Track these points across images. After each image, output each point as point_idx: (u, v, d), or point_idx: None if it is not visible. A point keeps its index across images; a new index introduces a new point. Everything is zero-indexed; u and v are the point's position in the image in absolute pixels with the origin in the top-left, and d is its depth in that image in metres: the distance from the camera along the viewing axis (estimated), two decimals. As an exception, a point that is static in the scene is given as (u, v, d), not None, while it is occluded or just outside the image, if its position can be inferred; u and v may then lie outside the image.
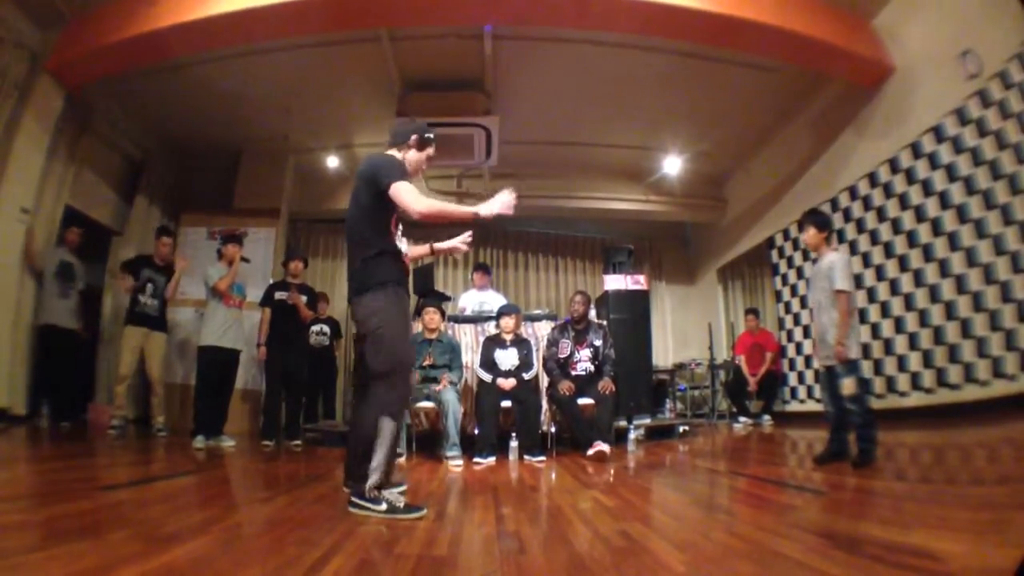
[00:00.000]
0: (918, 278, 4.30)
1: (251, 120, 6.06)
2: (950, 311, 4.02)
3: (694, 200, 7.41)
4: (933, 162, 4.18)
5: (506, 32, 4.76)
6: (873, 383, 4.54)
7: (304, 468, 3.43)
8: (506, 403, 3.91)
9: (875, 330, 4.68)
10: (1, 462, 3.11)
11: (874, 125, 4.85)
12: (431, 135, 2.20)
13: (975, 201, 3.84)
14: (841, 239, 5.03)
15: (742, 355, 6.13)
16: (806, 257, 5.81)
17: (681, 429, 5.06)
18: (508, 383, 3.91)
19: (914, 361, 4.33)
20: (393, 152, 2.16)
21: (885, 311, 4.62)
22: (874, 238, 4.78)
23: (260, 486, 2.85)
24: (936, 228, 4.15)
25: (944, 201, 4.09)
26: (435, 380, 3.93)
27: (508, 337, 4.17)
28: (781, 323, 6.33)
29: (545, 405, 4.16)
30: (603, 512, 2.01)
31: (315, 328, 5.53)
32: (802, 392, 5.95)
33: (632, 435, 4.08)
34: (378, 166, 2.03)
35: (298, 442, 4.45)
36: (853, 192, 5.04)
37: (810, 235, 3.07)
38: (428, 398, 3.88)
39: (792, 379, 6.11)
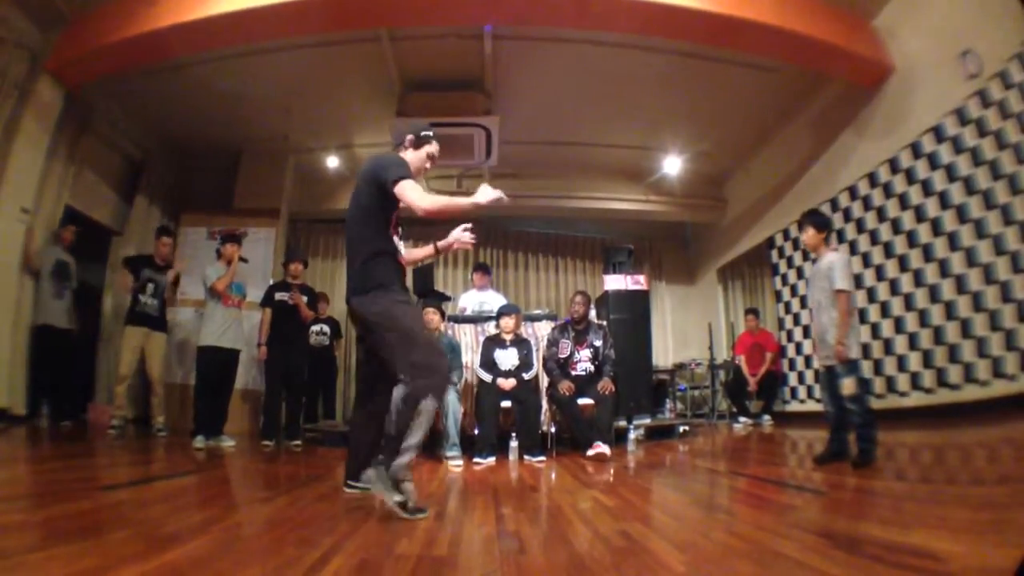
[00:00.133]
0: (918, 278, 4.30)
1: (251, 120, 6.06)
2: (950, 311, 4.02)
3: (694, 200, 7.41)
4: (933, 162, 4.18)
5: (506, 32, 4.76)
6: (873, 383, 4.54)
7: (304, 468, 3.44)
8: (506, 403, 3.91)
9: (875, 330, 4.68)
10: (1, 462, 3.11)
11: (874, 125, 4.85)
12: (428, 133, 2.20)
13: (975, 201, 3.83)
14: (841, 239, 5.03)
15: (742, 355, 6.13)
16: (806, 257, 5.81)
17: (681, 429, 5.06)
18: (508, 383, 3.91)
19: (914, 361, 4.33)
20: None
21: (885, 311, 4.62)
22: (874, 238, 4.77)
23: (260, 486, 2.85)
24: (936, 228, 4.15)
25: (944, 201, 4.09)
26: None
27: (508, 337, 4.17)
28: (781, 323, 6.33)
29: (545, 405, 4.16)
30: (603, 512, 2.01)
31: (315, 328, 5.53)
32: (802, 392, 5.95)
33: (632, 435, 4.08)
34: (382, 164, 2.03)
35: (298, 442, 4.45)
36: (853, 192, 5.04)
37: (809, 235, 3.07)
38: (428, 398, 3.87)
39: (792, 379, 6.11)
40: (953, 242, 4.01)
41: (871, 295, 4.73)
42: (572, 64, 5.18)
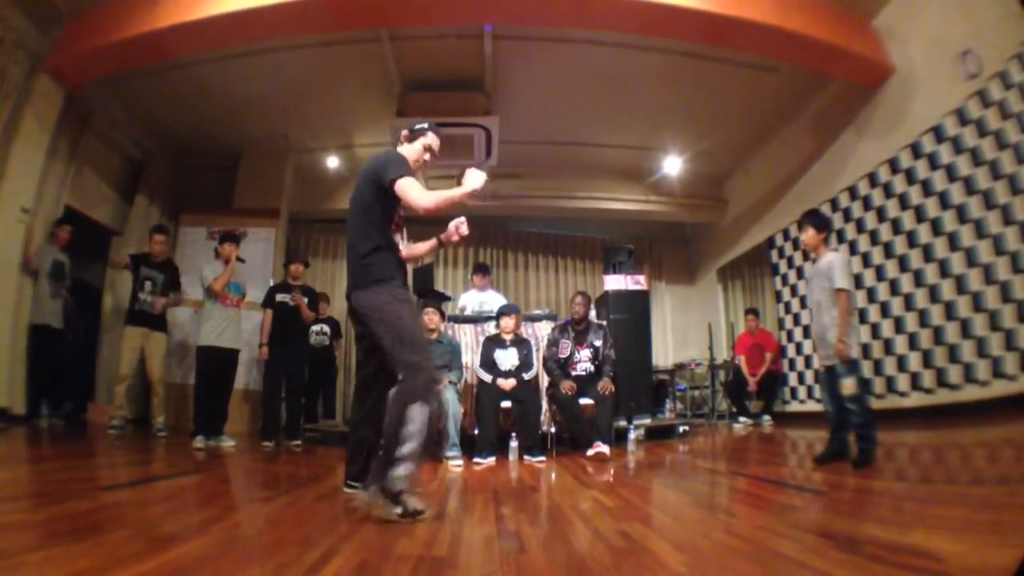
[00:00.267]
0: (918, 278, 4.30)
1: (251, 120, 6.06)
2: (950, 311, 4.02)
3: (694, 200, 7.40)
4: (933, 162, 4.18)
5: (506, 32, 4.77)
6: (873, 383, 4.54)
7: (304, 468, 3.44)
8: (506, 403, 3.91)
9: (875, 330, 4.68)
10: (1, 462, 3.11)
11: (874, 125, 4.85)
12: (422, 126, 2.21)
13: (975, 201, 3.84)
14: (841, 239, 5.03)
15: (742, 355, 6.13)
16: (806, 257, 5.81)
17: (681, 429, 5.06)
18: (508, 383, 3.91)
19: (914, 361, 4.33)
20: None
21: (885, 311, 4.62)
22: (874, 238, 4.77)
23: (260, 486, 2.85)
24: (936, 228, 4.15)
25: (944, 201, 4.09)
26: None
27: (508, 337, 4.17)
28: (781, 323, 6.33)
29: (545, 405, 4.16)
30: (603, 512, 2.01)
31: (315, 328, 5.53)
32: (802, 392, 5.95)
33: (632, 435, 4.08)
34: (382, 163, 2.03)
35: (298, 442, 4.45)
36: (853, 192, 5.04)
37: (809, 235, 3.07)
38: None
39: (792, 379, 6.11)
40: (953, 242, 4.01)
41: (871, 295, 4.73)
42: (572, 64, 5.19)
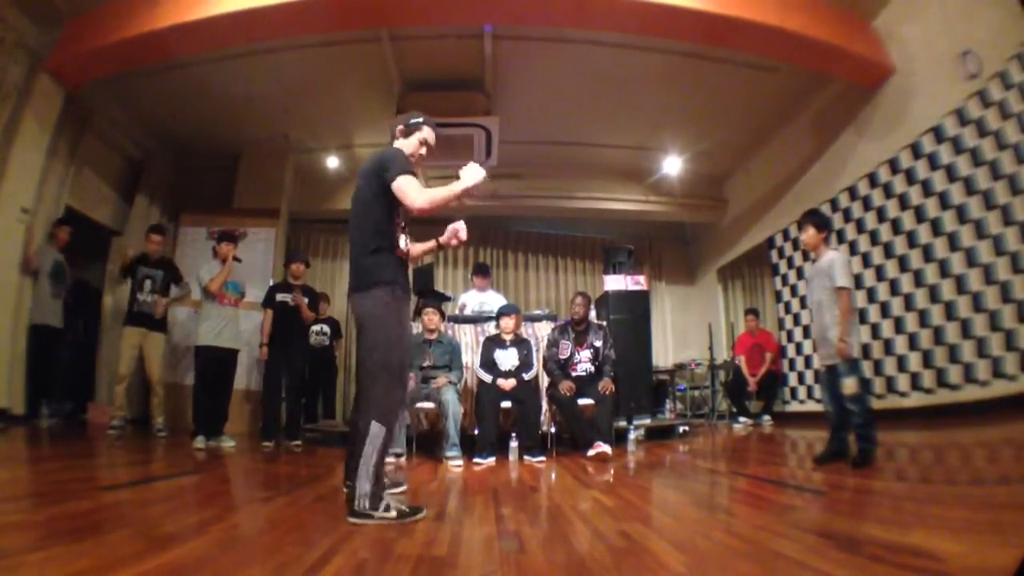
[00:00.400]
0: (918, 278, 4.30)
1: (251, 120, 6.06)
2: (950, 311, 4.02)
3: (694, 200, 7.41)
4: (933, 162, 4.18)
5: (506, 32, 4.77)
6: (873, 383, 4.54)
7: (304, 468, 3.44)
8: (506, 403, 3.91)
9: (875, 330, 4.68)
10: (1, 462, 3.11)
11: (874, 125, 4.85)
12: (417, 120, 2.19)
13: (975, 201, 3.84)
14: (841, 239, 5.03)
15: (742, 355, 6.13)
16: (806, 257, 5.81)
17: (681, 429, 5.06)
18: (508, 383, 3.91)
19: (914, 361, 4.33)
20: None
21: (885, 311, 4.62)
22: (874, 238, 4.78)
23: (260, 486, 2.85)
24: (936, 228, 4.15)
25: (944, 201, 4.09)
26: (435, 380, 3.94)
27: (508, 337, 4.17)
28: (781, 323, 6.33)
29: (545, 405, 4.16)
30: (603, 512, 2.01)
31: (315, 328, 5.52)
32: (802, 392, 5.95)
33: (632, 435, 4.08)
34: (383, 161, 2.02)
35: (298, 442, 4.45)
36: (853, 192, 5.04)
37: (809, 235, 3.07)
38: (428, 398, 3.88)
39: (792, 379, 6.11)
40: (953, 242, 4.01)
41: (871, 295, 4.73)
42: (572, 64, 5.19)
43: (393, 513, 1.83)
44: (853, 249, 4.93)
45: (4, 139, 4.19)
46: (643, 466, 3.47)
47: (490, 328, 4.47)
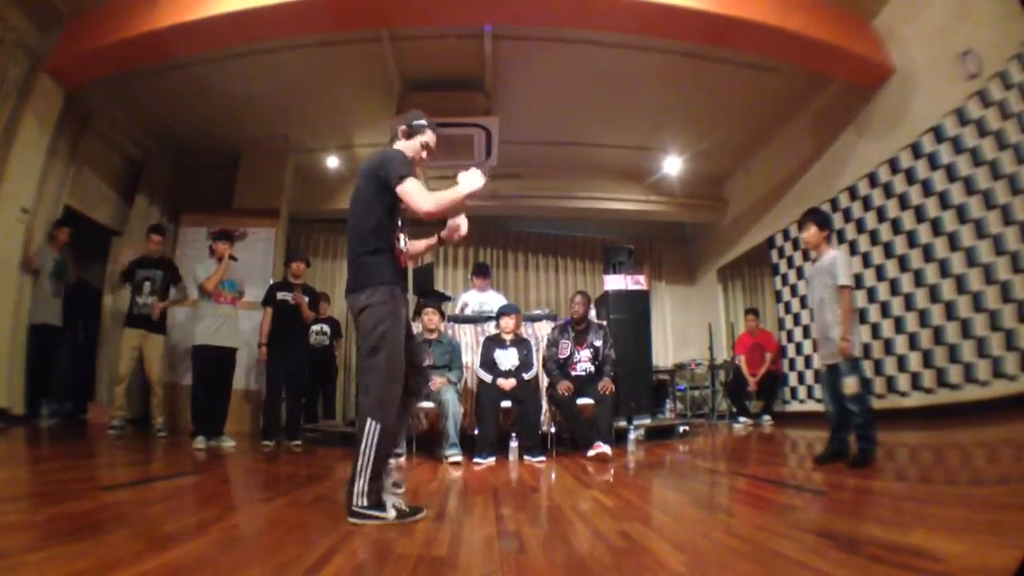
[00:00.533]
0: (918, 278, 4.30)
1: (251, 120, 6.06)
2: (950, 311, 4.02)
3: (694, 200, 7.41)
4: (933, 162, 4.18)
5: (506, 32, 4.77)
6: (873, 383, 4.54)
7: (304, 468, 3.44)
8: (506, 403, 3.91)
9: (875, 330, 4.68)
10: (1, 462, 3.11)
11: (874, 125, 4.85)
12: (420, 122, 2.17)
13: (975, 201, 3.84)
14: (841, 239, 5.03)
15: (742, 355, 6.13)
16: (806, 257, 5.81)
17: (681, 429, 5.06)
18: (508, 383, 3.91)
19: (914, 361, 4.33)
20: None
21: (885, 311, 4.62)
22: (874, 238, 4.77)
23: (260, 486, 2.85)
24: (936, 228, 4.15)
25: (944, 201, 4.09)
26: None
27: (508, 337, 4.17)
28: (781, 323, 6.33)
29: (545, 405, 4.16)
30: (603, 512, 2.01)
31: (315, 328, 5.53)
32: (802, 392, 5.95)
33: (632, 435, 4.08)
34: (383, 161, 2.01)
35: (298, 442, 4.45)
36: (853, 192, 5.04)
37: (811, 233, 3.06)
38: (428, 398, 3.88)
39: (792, 379, 6.11)
40: (953, 242, 4.01)
41: (871, 295, 4.73)
42: (572, 64, 5.19)
43: (393, 513, 1.83)
44: (853, 249, 4.93)
45: (4, 139, 4.19)
46: (643, 466, 3.47)
47: (490, 328, 4.47)
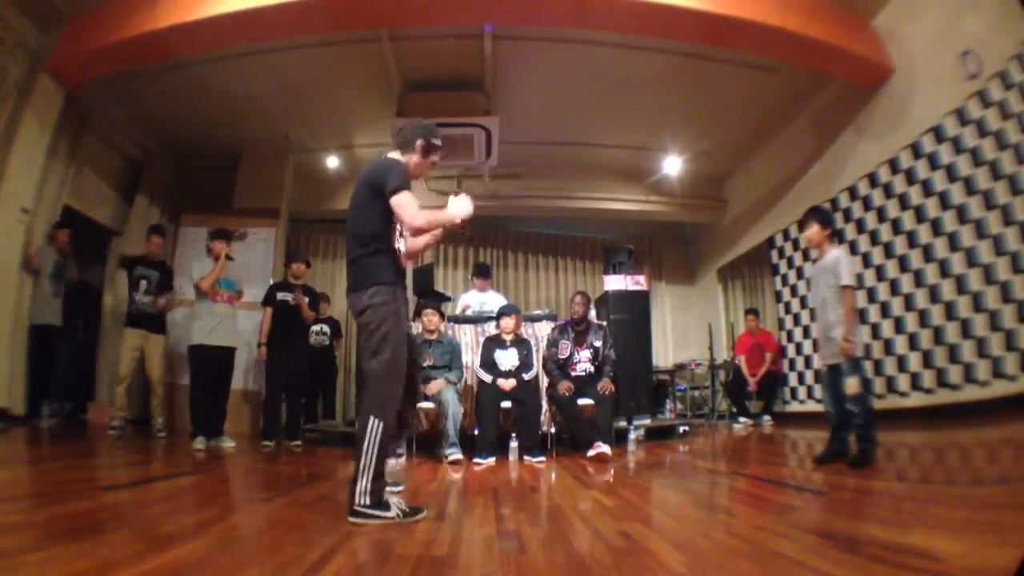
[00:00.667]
0: (918, 278, 4.30)
1: (251, 120, 6.06)
2: (950, 311, 4.02)
3: (694, 200, 7.40)
4: (933, 162, 4.18)
5: (506, 32, 4.76)
6: (873, 383, 4.54)
7: (304, 468, 3.44)
8: (506, 403, 3.91)
9: (875, 330, 4.68)
10: (1, 462, 3.11)
11: (874, 125, 4.84)
12: (438, 142, 2.17)
13: (975, 201, 3.83)
14: (841, 239, 5.02)
15: (742, 355, 6.12)
16: (806, 257, 5.81)
17: (681, 429, 5.06)
18: (508, 383, 3.91)
19: (914, 361, 4.33)
20: (397, 155, 2.15)
21: (885, 311, 4.62)
22: (874, 238, 4.77)
23: (260, 486, 2.85)
24: (936, 228, 4.15)
25: (944, 201, 4.09)
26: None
27: (508, 337, 4.17)
28: (781, 323, 6.33)
29: (545, 405, 4.16)
30: (603, 512, 2.01)
31: (315, 328, 5.52)
32: (802, 392, 5.95)
33: (632, 435, 4.08)
34: (382, 171, 2.02)
35: (298, 442, 4.45)
36: (853, 192, 5.04)
37: (813, 232, 3.05)
38: (428, 398, 3.88)
39: (792, 379, 6.10)
40: (953, 242, 4.01)
41: (871, 295, 4.73)
42: (572, 64, 5.19)
43: (393, 513, 1.83)
44: (853, 249, 4.93)
45: (4, 139, 4.19)
46: (643, 466, 3.47)
47: (490, 328, 4.47)
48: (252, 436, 5.04)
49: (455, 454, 3.57)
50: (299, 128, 6.26)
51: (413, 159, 2.14)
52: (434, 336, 4.14)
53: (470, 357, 4.38)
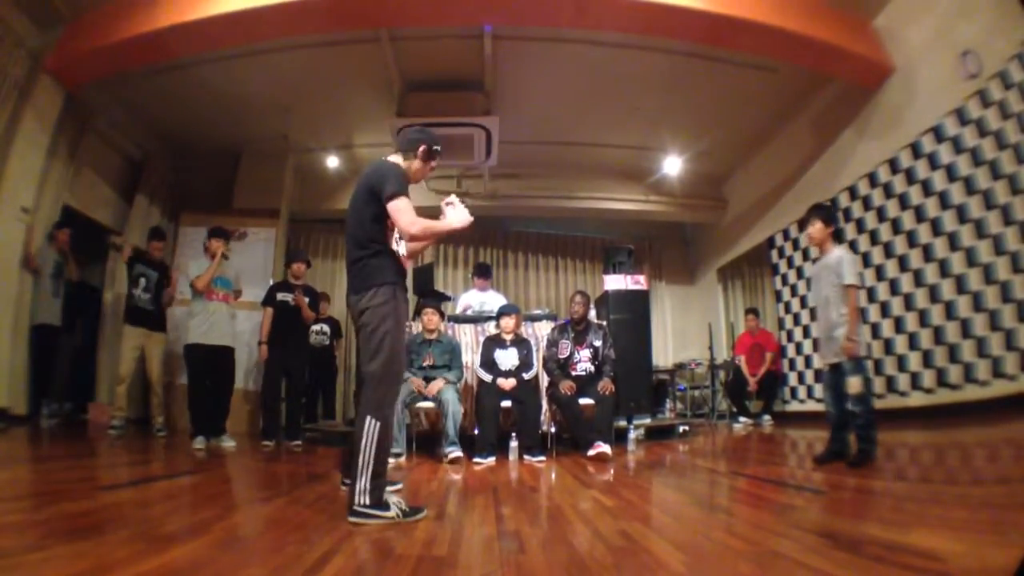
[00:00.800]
0: (918, 278, 4.30)
1: (251, 120, 6.06)
2: (950, 311, 4.02)
3: (694, 200, 7.40)
4: (933, 162, 4.18)
5: (506, 32, 4.76)
6: (873, 383, 4.54)
7: (304, 468, 3.44)
8: (506, 403, 3.91)
9: (875, 330, 4.68)
10: (1, 462, 3.11)
11: (874, 125, 4.84)
12: (439, 148, 2.19)
13: (975, 201, 3.83)
14: (841, 239, 5.01)
15: (742, 355, 6.13)
16: (806, 257, 5.82)
17: (681, 429, 5.06)
18: (508, 383, 3.91)
19: (914, 361, 4.33)
20: (398, 159, 2.16)
21: (885, 311, 4.62)
22: (874, 238, 4.77)
23: (260, 486, 2.85)
24: (936, 228, 4.15)
25: (944, 201, 4.09)
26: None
27: (508, 337, 4.17)
28: (781, 323, 6.33)
29: (545, 405, 4.16)
30: (603, 512, 2.01)
31: (315, 328, 5.52)
32: (802, 392, 5.95)
33: (632, 435, 4.08)
34: (380, 175, 2.02)
35: (298, 442, 4.45)
36: (853, 192, 5.03)
37: (816, 229, 3.03)
38: (428, 398, 3.88)
39: (792, 379, 6.10)
40: (953, 242, 4.01)
41: (871, 295, 4.73)
42: (572, 64, 5.18)
43: (393, 512, 1.83)
44: (853, 248, 4.92)
45: (4, 139, 4.19)
46: (643, 466, 3.47)
47: (490, 328, 4.47)
48: (252, 436, 5.04)
49: (455, 452, 3.57)
50: (299, 128, 6.26)
51: (414, 164, 2.16)
52: (434, 336, 4.14)
53: (470, 357, 4.38)
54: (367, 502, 1.83)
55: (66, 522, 1.66)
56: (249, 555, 1.47)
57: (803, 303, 5.92)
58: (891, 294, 4.56)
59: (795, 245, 6.07)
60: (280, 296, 4.63)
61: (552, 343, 4.25)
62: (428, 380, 3.94)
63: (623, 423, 4.31)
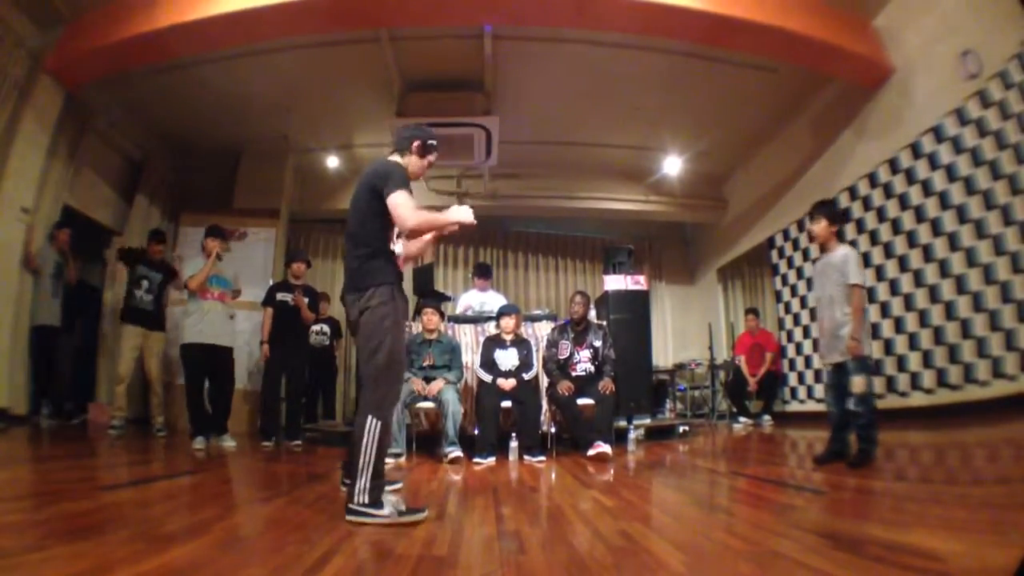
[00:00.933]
0: (918, 278, 4.30)
1: (251, 120, 6.06)
2: (950, 311, 4.02)
3: (694, 200, 7.41)
4: (933, 162, 4.18)
5: (506, 32, 4.76)
6: (874, 383, 4.53)
7: (304, 468, 3.44)
8: (506, 403, 3.90)
9: (875, 330, 4.67)
10: (1, 462, 3.11)
11: (874, 125, 4.85)
12: (434, 142, 2.20)
13: (975, 201, 3.83)
14: (841, 239, 5.00)
15: (742, 355, 6.12)
16: (806, 257, 5.82)
17: (681, 429, 5.06)
18: (508, 383, 3.91)
19: (914, 361, 4.33)
20: (396, 157, 2.16)
21: (885, 311, 4.61)
22: (874, 238, 4.77)
23: (260, 486, 2.85)
24: (936, 228, 4.15)
25: (944, 201, 4.09)
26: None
27: (508, 337, 4.17)
28: (781, 323, 6.33)
29: (545, 405, 4.16)
30: (603, 512, 2.01)
31: (315, 328, 5.52)
32: (802, 392, 5.95)
33: (632, 435, 4.08)
34: (381, 173, 2.03)
35: (298, 442, 4.44)
36: (853, 192, 5.03)
37: (821, 227, 2.99)
38: (428, 398, 3.88)
39: (792, 379, 6.10)
40: (953, 242, 4.01)
41: (871, 295, 4.72)
42: (572, 64, 5.18)
43: (393, 512, 1.83)
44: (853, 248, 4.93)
45: (4, 139, 4.19)
46: (643, 466, 3.47)
47: (490, 328, 4.47)
48: (252, 436, 5.04)
49: (455, 452, 3.57)
50: (299, 128, 6.27)
51: (412, 161, 2.16)
52: (434, 336, 4.14)
53: (470, 357, 4.38)
54: (365, 501, 1.84)
55: (66, 522, 1.66)
56: (249, 555, 1.47)
57: (803, 303, 5.92)
58: (891, 294, 4.56)
59: (795, 245, 6.07)
60: (280, 296, 4.62)
61: (552, 343, 4.25)
62: (428, 380, 3.94)
63: (623, 423, 4.30)
